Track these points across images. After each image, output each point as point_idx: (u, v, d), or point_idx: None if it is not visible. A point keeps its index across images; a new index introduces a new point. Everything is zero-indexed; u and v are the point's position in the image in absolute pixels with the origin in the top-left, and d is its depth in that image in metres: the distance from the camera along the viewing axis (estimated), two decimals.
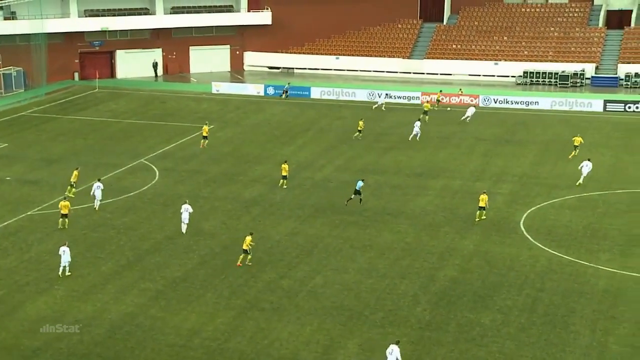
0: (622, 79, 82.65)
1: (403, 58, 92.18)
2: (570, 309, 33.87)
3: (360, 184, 47.54)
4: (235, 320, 33.25)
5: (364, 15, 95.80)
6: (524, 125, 68.37)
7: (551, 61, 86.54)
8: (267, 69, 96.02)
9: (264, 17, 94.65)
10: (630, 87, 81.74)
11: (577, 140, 58.15)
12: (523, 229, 43.55)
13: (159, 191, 50.73)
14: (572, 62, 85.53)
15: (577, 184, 50.65)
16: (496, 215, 45.69)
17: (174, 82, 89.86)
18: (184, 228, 43.11)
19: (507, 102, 76.25)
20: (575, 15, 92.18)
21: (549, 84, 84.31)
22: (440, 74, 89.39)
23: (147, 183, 52.36)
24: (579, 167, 51.38)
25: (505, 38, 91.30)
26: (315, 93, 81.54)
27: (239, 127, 67.99)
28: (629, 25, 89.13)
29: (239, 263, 38.63)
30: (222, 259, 39.63)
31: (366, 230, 43.58)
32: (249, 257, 38.66)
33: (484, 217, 44.84)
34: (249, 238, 38.76)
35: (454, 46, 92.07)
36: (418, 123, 63.64)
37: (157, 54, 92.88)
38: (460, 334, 31.88)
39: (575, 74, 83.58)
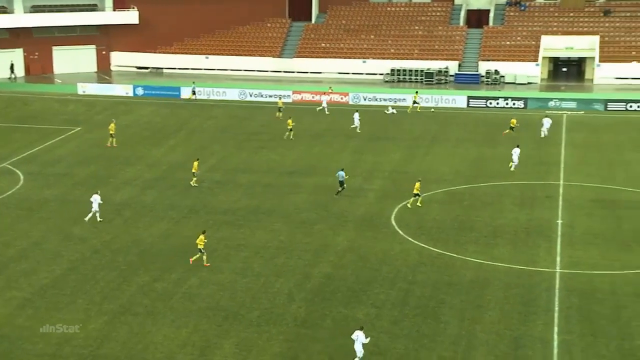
0: (483, 76, 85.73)
1: (273, 57, 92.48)
2: (440, 300, 34.87)
3: (341, 174, 48.57)
4: (107, 325, 32.49)
5: (233, 15, 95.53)
6: (392, 121, 69.85)
7: (417, 59, 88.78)
8: (135, 69, 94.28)
9: (130, 17, 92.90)
10: (491, 84, 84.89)
11: (513, 122, 63.13)
12: (394, 223, 44.50)
13: (24, 196, 48.98)
14: (436, 59, 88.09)
15: (511, 168, 53.57)
16: (368, 211, 46.50)
17: (36, 83, 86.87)
18: (88, 217, 43.55)
19: (376, 100, 77.72)
20: (437, 14, 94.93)
21: (416, 81, 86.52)
22: (311, 73, 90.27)
23: (11, 188, 50.44)
24: (512, 153, 54.03)
25: (372, 36, 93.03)
26: (186, 93, 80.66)
27: (108, 129, 66.45)
28: (487, 24, 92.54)
29: (205, 264, 38.14)
30: (93, 263, 38.65)
31: (240, 230, 43.48)
32: (204, 256, 38.33)
33: (419, 205, 46.39)
34: (202, 236, 38.31)
35: (323, 45, 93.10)
36: (357, 114, 65.64)
37: (17, 54, 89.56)
38: (336, 330, 32.27)
39: (440, 72, 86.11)
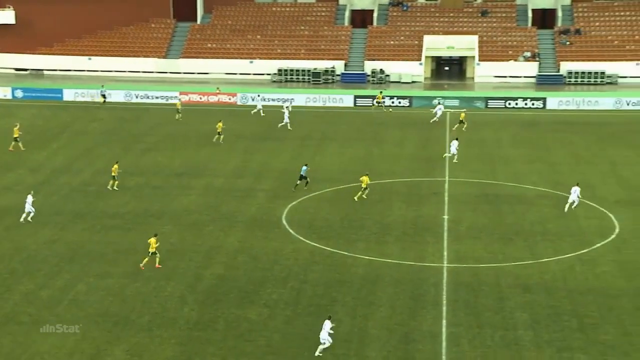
0: (369, 75, 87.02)
1: (158, 58, 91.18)
2: (333, 298, 35.19)
3: (304, 168, 49.42)
4: None
5: (115, 15, 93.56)
6: (279, 121, 70.00)
7: (303, 59, 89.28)
8: (14, 71, 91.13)
9: (6, 16, 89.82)
10: (377, 83, 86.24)
11: (462, 115, 65.17)
12: (285, 223, 44.63)
13: None
14: (322, 59, 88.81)
15: (444, 156, 56.29)
16: (258, 211, 46.48)
17: None
18: (22, 217, 43.07)
19: (264, 100, 77.69)
20: (322, 14, 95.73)
21: (303, 81, 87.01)
22: (198, 73, 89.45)
23: None
24: (450, 145, 56.37)
25: (258, 37, 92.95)
26: (69, 95, 78.59)
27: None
28: (372, 24, 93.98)
29: (157, 265, 37.83)
30: None
31: (129, 234, 42.70)
32: (157, 258, 37.91)
33: (365, 197, 47.62)
34: (153, 239, 37.78)
35: (209, 45, 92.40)
36: (286, 111, 66.12)
37: None
38: (229, 331, 32.13)
39: (327, 71, 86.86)
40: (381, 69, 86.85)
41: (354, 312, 33.85)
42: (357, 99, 77.60)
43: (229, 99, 77.69)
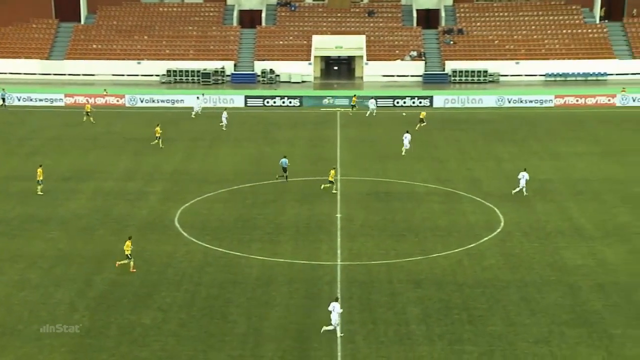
0: (259, 75, 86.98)
1: (41, 59, 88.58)
2: (227, 299, 35.04)
3: (284, 161, 50.96)
4: None
5: None
6: (172, 123, 69.23)
7: (192, 59, 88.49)
8: None
9: None
10: (267, 83, 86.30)
11: (422, 114, 67.05)
12: (178, 225, 44.14)
13: None
14: (212, 59, 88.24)
15: (402, 153, 58.02)
16: (150, 214, 45.81)
17: None
18: None
19: (154, 101, 76.70)
20: (211, 14, 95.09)
21: (193, 82, 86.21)
22: (83, 75, 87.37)
23: None
24: (403, 138, 58.11)
25: (146, 37, 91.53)
26: None
27: None
28: (260, 24, 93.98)
29: (132, 269, 37.46)
30: None
31: (14, 240, 41.33)
32: (131, 261, 37.60)
33: (335, 191, 49.03)
34: (128, 242, 37.62)
35: (94, 46, 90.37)
36: (225, 113, 65.90)
37: None
38: (122, 337, 31.54)
39: (217, 72, 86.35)
40: (271, 69, 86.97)
41: (249, 312, 33.80)
42: (247, 99, 77.48)
43: (117, 101, 76.22)
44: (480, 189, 50.23)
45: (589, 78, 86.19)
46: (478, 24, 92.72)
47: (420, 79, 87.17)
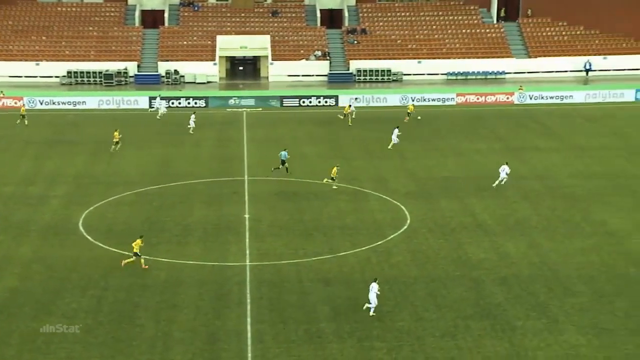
0: (164, 76, 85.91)
1: None
2: (135, 303, 34.56)
3: (284, 153, 52.36)
4: None
5: None
6: (73, 125, 67.74)
7: (94, 60, 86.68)
8: None
9: None
10: (172, 84, 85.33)
11: (410, 107, 68.70)
12: (82, 229, 43.26)
13: None
14: (114, 60, 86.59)
15: (389, 147, 59.66)
16: (53, 218, 44.76)
17: None
18: None
19: (54, 103, 74.87)
20: (111, 14, 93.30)
21: (95, 83, 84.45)
22: None
23: None
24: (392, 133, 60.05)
25: (44, 38, 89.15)
26: None
27: None
28: (163, 24, 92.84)
29: (144, 266, 37.75)
30: None
31: None
32: (133, 260, 37.75)
33: (335, 187, 49.40)
34: (138, 241, 37.84)
35: None
36: (193, 116, 64.84)
37: None
38: (24, 345, 30.76)
39: (119, 73, 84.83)
40: (175, 70, 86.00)
41: (158, 316, 33.44)
42: (152, 101, 76.45)
43: (15, 103, 74.04)
44: (386, 187, 50.95)
45: (488, 77, 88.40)
46: (381, 23, 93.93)
47: (325, 78, 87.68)
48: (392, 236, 42.73)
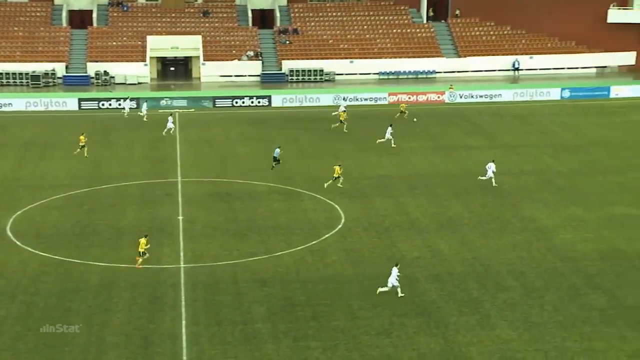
0: (93, 77, 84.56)
1: None
2: (67, 308, 33.96)
3: (277, 151, 53.55)
4: None
5: None
6: (0, 127, 66.34)
7: (19, 61, 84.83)
8: None
9: None
10: (102, 85, 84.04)
11: (403, 106, 69.39)
12: (10, 234, 42.32)
13: None
14: (41, 61, 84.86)
15: (377, 141, 60.17)
16: None
17: None
18: None
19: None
20: (37, 14, 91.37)
21: (21, 85, 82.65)
22: None
23: None
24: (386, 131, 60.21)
25: None
26: None
27: None
28: (92, 25, 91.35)
29: (138, 265, 37.79)
30: None
31: None
32: (141, 259, 38.04)
33: (340, 185, 49.96)
34: (143, 240, 37.91)
35: None
36: (170, 118, 64.17)
37: None
38: None
39: (47, 74, 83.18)
40: (105, 71, 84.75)
41: (90, 320, 32.93)
42: (81, 102, 75.20)
43: None
44: (320, 186, 51.08)
45: (420, 76, 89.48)
46: (312, 23, 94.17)
47: (258, 78, 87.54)
48: (326, 235, 42.89)
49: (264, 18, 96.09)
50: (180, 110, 74.11)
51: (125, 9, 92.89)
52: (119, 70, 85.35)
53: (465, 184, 51.82)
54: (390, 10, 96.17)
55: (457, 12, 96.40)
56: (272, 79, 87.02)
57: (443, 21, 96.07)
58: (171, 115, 66.40)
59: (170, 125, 64.51)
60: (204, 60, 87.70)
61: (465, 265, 39.01)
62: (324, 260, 39.63)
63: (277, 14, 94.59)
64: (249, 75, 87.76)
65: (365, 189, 50.75)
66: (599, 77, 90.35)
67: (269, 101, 77.81)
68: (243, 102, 77.60)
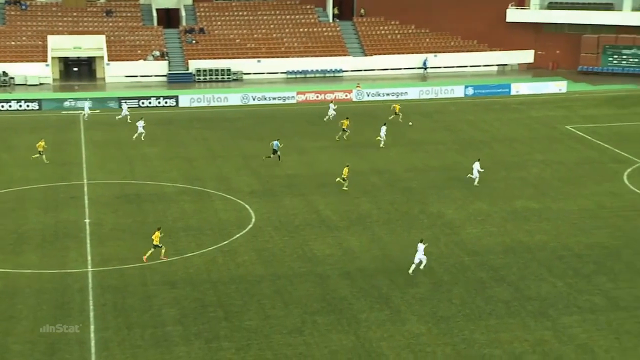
0: None
1: None
2: None
3: (276, 143, 54.65)
4: None
5: None
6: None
7: None
8: None
9: None
10: (1, 86, 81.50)
11: (396, 107, 69.17)
12: None
13: None
14: None
15: (380, 145, 60.67)
16: None
17: None
18: None
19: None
20: None
21: None
22: None
23: None
24: (380, 132, 61.05)
25: None
26: None
27: None
28: None
29: (162, 256, 38.46)
30: None
31: None
32: (163, 250, 38.65)
33: (345, 189, 49.81)
34: (157, 233, 38.40)
35: None
36: (141, 122, 62.45)
37: None
38: None
39: None
40: (4, 72, 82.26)
41: None
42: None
43: None
44: (229, 186, 50.85)
45: (327, 75, 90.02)
46: (219, 23, 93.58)
47: (164, 78, 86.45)
48: (237, 235, 42.73)
49: (169, 17, 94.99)
50: (87, 112, 72.39)
51: (23, 7, 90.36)
52: (19, 70, 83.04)
53: (373, 181, 52.39)
54: (296, 9, 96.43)
55: (362, 11, 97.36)
56: (179, 79, 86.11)
57: (348, 20, 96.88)
58: (142, 118, 63.97)
59: (140, 129, 62.76)
60: (108, 61, 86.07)
61: (376, 262, 39.46)
62: (235, 260, 39.46)
63: (183, 13, 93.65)
64: (155, 76, 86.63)
65: (275, 188, 50.75)
66: (500, 75, 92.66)
67: (177, 101, 76.92)
68: (150, 103, 76.46)
